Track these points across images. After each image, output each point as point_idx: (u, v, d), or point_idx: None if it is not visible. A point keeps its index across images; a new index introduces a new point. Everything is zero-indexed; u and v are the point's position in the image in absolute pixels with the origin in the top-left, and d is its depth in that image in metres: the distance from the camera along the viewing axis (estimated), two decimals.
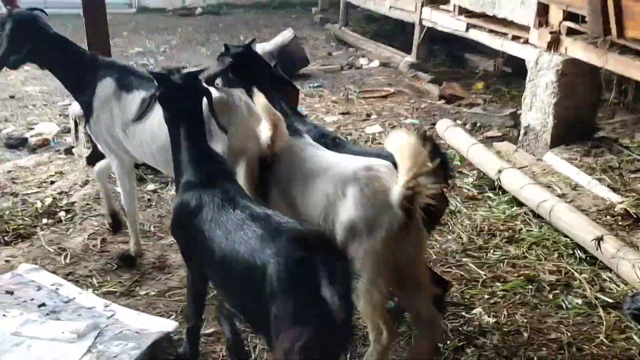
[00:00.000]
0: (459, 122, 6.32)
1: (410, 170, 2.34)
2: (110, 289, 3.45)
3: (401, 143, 2.37)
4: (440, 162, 2.52)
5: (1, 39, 3.41)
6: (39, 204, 4.37)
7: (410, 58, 8.61)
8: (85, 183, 4.78)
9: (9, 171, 5.12)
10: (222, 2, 13.06)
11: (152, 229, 4.13)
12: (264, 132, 2.74)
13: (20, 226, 4.10)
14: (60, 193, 4.51)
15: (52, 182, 4.81)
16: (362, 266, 2.44)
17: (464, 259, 3.80)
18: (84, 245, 3.89)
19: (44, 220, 4.21)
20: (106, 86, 3.39)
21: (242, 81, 3.13)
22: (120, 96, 3.35)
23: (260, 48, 8.27)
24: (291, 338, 2.02)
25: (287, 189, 2.74)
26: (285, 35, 8.33)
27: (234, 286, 2.34)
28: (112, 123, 3.42)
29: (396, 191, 2.40)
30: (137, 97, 3.23)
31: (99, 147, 3.66)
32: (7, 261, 3.72)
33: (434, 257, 3.81)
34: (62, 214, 4.27)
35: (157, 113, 2.82)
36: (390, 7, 9.19)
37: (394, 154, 2.41)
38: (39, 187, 4.74)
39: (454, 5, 7.44)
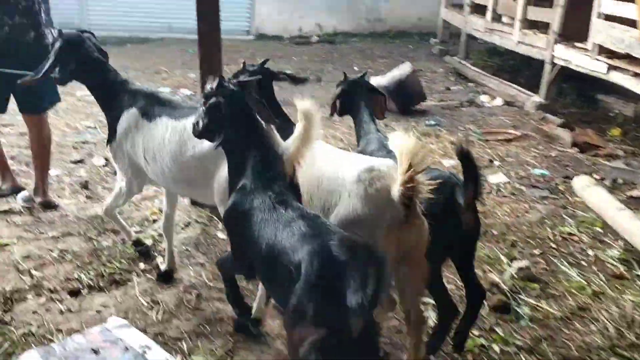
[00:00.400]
0: (595, 176, 5.61)
1: (409, 169, 2.52)
2: (200, 357, 3.12)
3: (400, 144, 2.54)
4: (472, 178, 2.68)
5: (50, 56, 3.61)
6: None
7: (538, 98, 7.94)
8: (187, 225, 4.56)
9: None
10: (338, 31, 12.86)
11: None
12: (295, 141, 2.68)
13: (117, 270, 3.89)
14: (160, 235, 4.29)
15: (154, 221, 4.61)
16: None
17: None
18: (177, 299, 3.61)
19: (141, 265, 3.98)
20: (130, 115, 3.51)
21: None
22: (142, 125, 3.48)
23: (375, 82, 7.91)
24: (304, 333, 2.10)
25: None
26: (403, 69, 7.91)
27: (277, 279, 2.38)
28: (133, 151, 3.55)
29: (396, 189, 2.60)
30: (158, 124, 3.41)
31: (115, 167, 3.84)
32: (98, 311, 3.49)
33: (575, 352, 3.21)
34: (159, 259, 4.04)
35: (174, 136, 3.24)
36: (518, 42, 8.56)
37: (395, 154, 2.59)
38: (140, 226, 4.56)
39: (593, 44, 6.74)
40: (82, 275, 3.81)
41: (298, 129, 2.64)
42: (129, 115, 3.50)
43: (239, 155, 2.69)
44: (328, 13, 12.83)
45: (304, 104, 2.60)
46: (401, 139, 2.56)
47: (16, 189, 5.00)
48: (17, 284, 3.74)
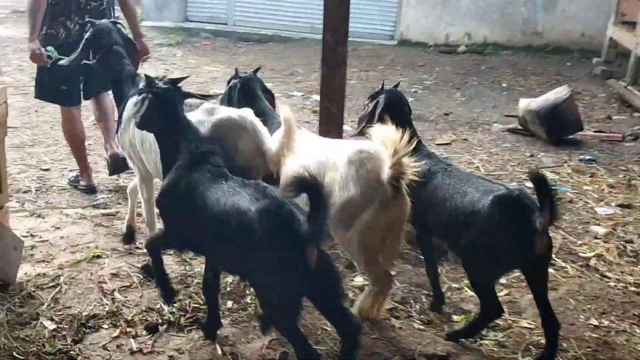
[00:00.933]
0: None
1: (394, 154, 2.89)
2: None
3: (382, 134, 2.98)
4: (548, 202, 2.72)
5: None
6: (228, 278, 3.73)
7: None
8: None
9: None
10: (489, 42, 11.89)
11: None
12: (275, 144, 3.16)
13: (201, 307, 3.47)
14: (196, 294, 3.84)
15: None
16: (359, 230, 3.04)
17: None
18: (260, 357, 3.11)
19: (228, 304, 3.54)
20: (133, 102, 3.49)
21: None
22: None
23: (523, 105, 7.02)
24: (272, 279, 2.45)
25: None
26: (560, 93, 6.93)
27: (225, 243, 2.61)
28: (134, 138, 3.63)
29: (385, 171, 2.95)
30: None
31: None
32: (170, 357, 3.08)
33: None
34: (247, 300, 3.57)
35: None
36: None
37: (378, 143, 3.02)
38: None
39: None
40: (165, 307, 3.44)
41: (281, 131, 3.12)
42: (131, 102, 3.52)
43: (171, 141, 2.98)
44: (479, 21, 11.90)
45: (285, 111, 3.09)
46: (382, 130, 3.01)
47: (92, 188, 5.03)
48: (96, 308, 3.44)
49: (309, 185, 2.40)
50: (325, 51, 4.14)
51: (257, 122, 3.26)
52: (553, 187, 2.75)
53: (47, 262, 3.91)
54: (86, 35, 3.83)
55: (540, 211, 2.77)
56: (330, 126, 4.18)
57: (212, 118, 3.23)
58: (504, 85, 9.43)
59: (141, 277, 3.76)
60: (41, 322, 3.28)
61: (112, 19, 4.10)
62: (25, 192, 5.03)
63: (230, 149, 3.12)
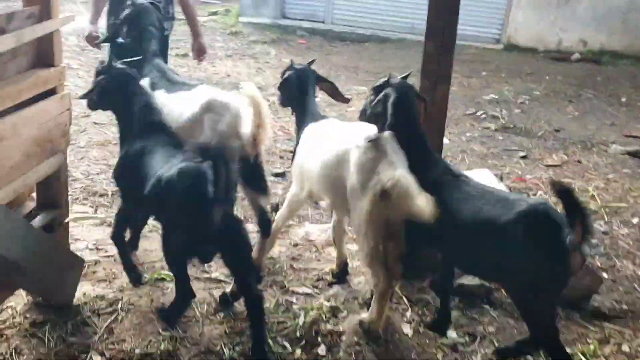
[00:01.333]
0: None
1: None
2: None
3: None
4: (579, 216, 2.52)
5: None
6: (301, 319, 3.29)
7: None
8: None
9: (295, 244, 4.20)
10: (606, 50, 10.84)
11: None
12: (248, 127, 3.20)
13: (271, 350, 3.04)
14: (332, 308, 3.37)
15: (332, 284, 3.70)
16: (358, 221, 3.08)
17: None
18: None
19: (297, 352, 3.09)
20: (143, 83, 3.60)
21: None
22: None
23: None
24: (175, 231, 2.90)
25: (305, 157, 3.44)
26: None
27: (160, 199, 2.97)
28: None
29: (385, 162, 2.97)
30: (158, 95, 3.55)
31: None
32: None
33: None
34: (321, 348, 3.11)
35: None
36: None
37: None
38: (314, 286, 3.68)
39: None
40: (226, 350, 3.04)
41: (249, 112, 3.15)
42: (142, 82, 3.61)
43: (127, 118, 3.35)
44: (596, 27, 10.85)
45: (249, 89, 3.10)
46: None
47: None
48: (151, 345, 3.06)
49: (211, 153, 2.71)
50: (427, 62, 3.59)
51: (240, 106, 3.29)
52: (582, 202, 2.57)
53: (109, 281, 3.60)
54: (125, 13, 4.03)
55: (570, 227, 2.55)
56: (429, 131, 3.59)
57: (200, 97, 3.43)
58: (623, 99, 8.49)
59: (208, 308, 3.38)
60: (90, 357, 2.96)
61: (152, 1, 4.17)
62: (101, 195, 4.79)
63: (212, 128, 3.28)
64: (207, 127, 3.29)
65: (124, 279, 3.62)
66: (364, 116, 3.34)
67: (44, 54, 2.94)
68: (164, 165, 2.97)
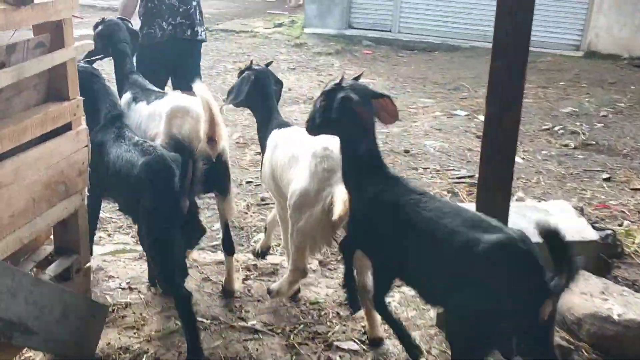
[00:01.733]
0: None
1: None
2: None
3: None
4: (565, 262, 2.17)
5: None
6: None
7: None
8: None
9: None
10: None
11: None
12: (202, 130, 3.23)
13: None
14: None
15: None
16: (301, 224, 3.04)
17: None
18: None
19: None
20: (125, 98, 3.84)
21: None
22: (130, 106, 3.80)
23: None
24: (147, 219, 2.92)
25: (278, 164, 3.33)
26: None
27: (123, 190, 3.16)
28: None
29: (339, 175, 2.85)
30: (140, 106, 3.73)
31: None
32: None
33: None
34: None
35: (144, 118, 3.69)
36: None
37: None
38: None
39: None
40: None
41: (203, 113, 3.20)
42: (124, 98, 3.82)
43: (94, 111, 3.36)
44: None
45: (201, 90, 3.14)
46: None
47: None
48: None
49: (182, 147, 2.80)
50: (494, 85, 3.10)
51: (202, 111, 3.30)
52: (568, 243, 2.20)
53: (137, 329, 3.28)
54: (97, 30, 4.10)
55: (557, 274, 2.20)
56: (495, 166, 3.11)
57: (169, 104, 3.53)
58: None
59: None
60: None
61: (121, 17, 4.31)
62: None
63: (177, 131, 3.34)
64: (176, 133, 3.31)
65: (153, 325, 3.31)
66: (312, 125, 2.83)
67: (56, 86, 2.66)
68: (129, 157, 3.07)
